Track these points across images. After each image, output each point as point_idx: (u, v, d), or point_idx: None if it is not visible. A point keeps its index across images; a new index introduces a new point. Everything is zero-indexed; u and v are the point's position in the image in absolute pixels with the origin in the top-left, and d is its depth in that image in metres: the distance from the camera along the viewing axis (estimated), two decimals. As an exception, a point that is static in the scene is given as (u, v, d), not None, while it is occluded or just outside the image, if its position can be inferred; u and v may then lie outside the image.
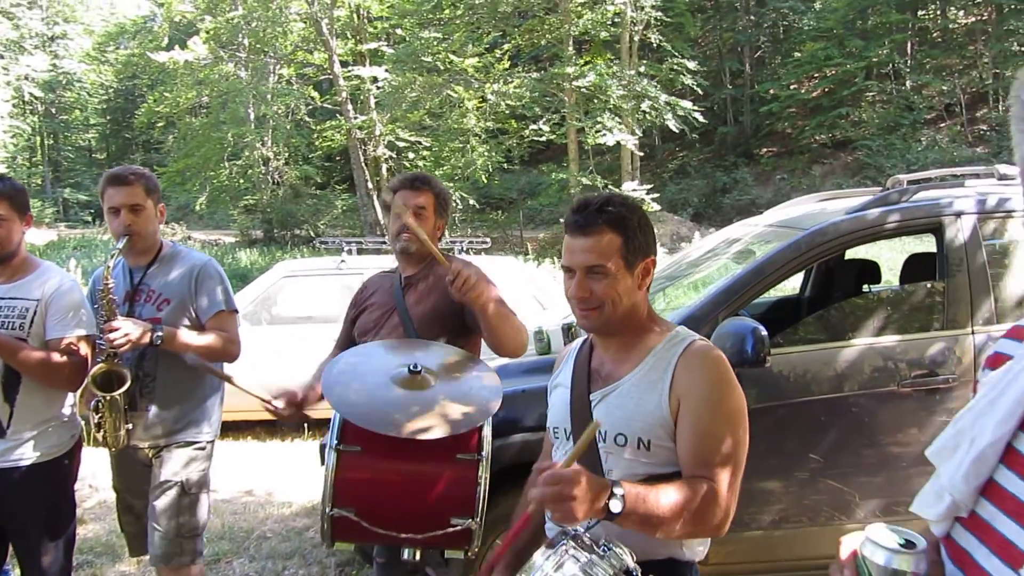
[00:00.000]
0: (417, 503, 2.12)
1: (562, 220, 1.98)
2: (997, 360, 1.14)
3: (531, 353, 3.88)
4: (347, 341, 2.97)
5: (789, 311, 4.95)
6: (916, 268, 4.25)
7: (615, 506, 1.58)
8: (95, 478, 5.46)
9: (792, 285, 5.57)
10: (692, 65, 23.03)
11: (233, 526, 4.93)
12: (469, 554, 2.17)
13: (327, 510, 2.12)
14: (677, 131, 23.50)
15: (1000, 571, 0.94)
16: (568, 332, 3.73)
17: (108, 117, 51.29)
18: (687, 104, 22.18)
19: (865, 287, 4.78)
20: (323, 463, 2.52)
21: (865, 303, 3.74)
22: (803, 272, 4.97)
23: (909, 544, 1.04)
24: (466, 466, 2.07)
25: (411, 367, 2.17)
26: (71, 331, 2.87)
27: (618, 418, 1.83)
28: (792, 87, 29.67)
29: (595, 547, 1.57)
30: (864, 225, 3.39)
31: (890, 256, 10.02)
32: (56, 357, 2.81)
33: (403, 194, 2.84)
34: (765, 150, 30.79)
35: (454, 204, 23.86)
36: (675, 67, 23.15)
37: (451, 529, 2.04)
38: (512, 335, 2.58)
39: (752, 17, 32.82)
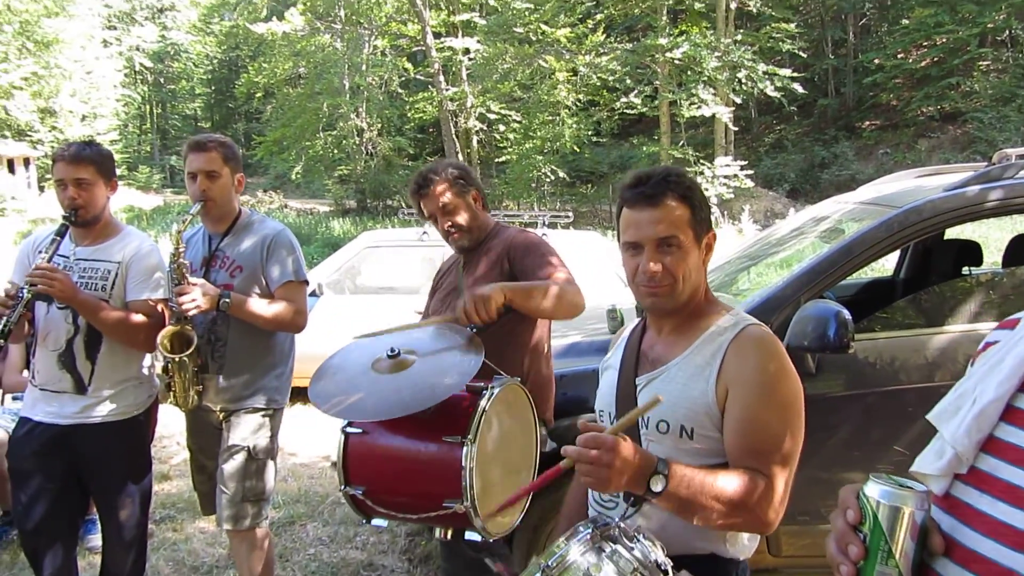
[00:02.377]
0: (410, 484, 2.12)
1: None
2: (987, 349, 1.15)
3: (604, 331, 3.80)
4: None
5: (882, 293, 4.71)
6: (1022, 249, 3.97)
7: (657, 484, 1.51)
8: (181, 436, 5.65)
9: (887, 265, 5.31)
10: (792, 28, 22.14)
11: (309, 490, 5.03)
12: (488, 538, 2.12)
13: (341, 487, 2.16)
14: (775, 103, 22.76)
15: (1008, 514, 0.95)
16: (612, 315, 3.63)
17: (212, 87, 52.96)
18: (786, 72, 21.42)
19: (965, 269, 4.50)
20: None
21: (963, 286, 3.52)
22: (898, 252, 4.71)
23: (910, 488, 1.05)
24: (451, 447, 2.03)
25: (388, 351, 2.15)
26: (149, 293, 2.95)
27: (662, 404, 1.75)
28: (899, 56, 28.22)
29: (624, 537, 1.50)
30: (963, 203, 3.16)
31: (999, 236, 9.47)
32: (135, 318, 2.90)
33: (423, 203, 2.86)
34: (868, 123, 29.47)
35: (543, 177, 23.90)
36: (773, 35, 22.32)
37: (445, 511, 2.01)
38: (549, 303, 2.51)
39: (858, -17, 31.39)
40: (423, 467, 2.10)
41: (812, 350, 2.81)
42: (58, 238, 2.83)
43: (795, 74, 21.58)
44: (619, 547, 1.47)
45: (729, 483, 1.58)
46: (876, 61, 27.91)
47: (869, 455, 3.10)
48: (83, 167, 2.86)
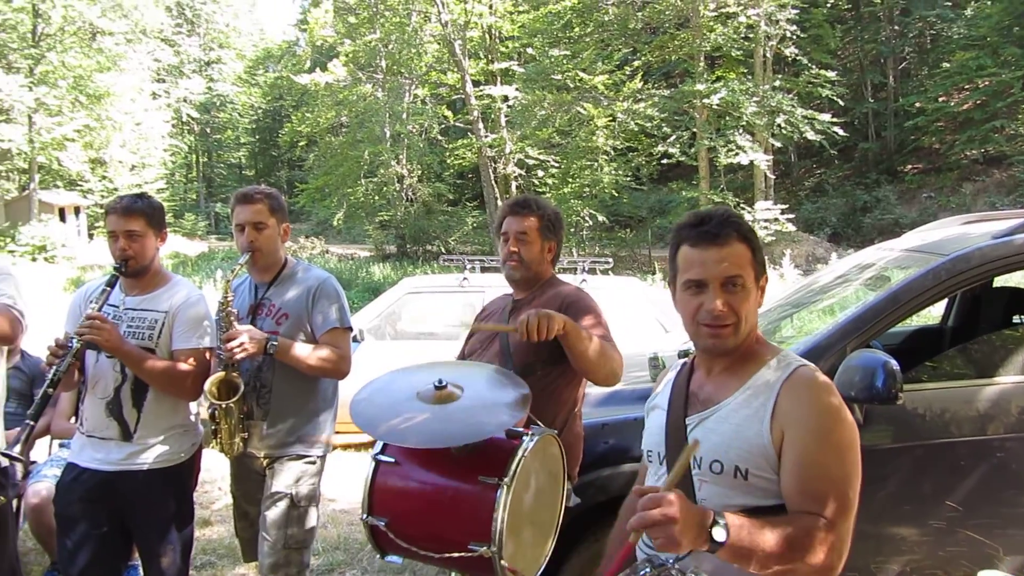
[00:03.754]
0: (437, 521, 2.08)
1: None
2: None
3: (646, 379, 3.77)
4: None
5: (930, 342, 4.61)
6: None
7: (718, 534, 1.47)
8: (223, 481, 5.69)
9: (935, 313, 5.20)
10: (831, 75, 22.09)
11: (348, 537, 5.01)
12: None
13: (363, 516, 2.13)
14: (815, 147, 22.65)
15: None
16: (654, 363, 3.60)
17: (256, 136, 54.26)
18: (825, 117, 21.33)
19: (1016, 318, 4.40)
20: None
21: (1015, 336, 3.43)
22: (946, 300, 4.62)
23: None
24: (486, 489, 1.98)
25: (436, 383, 2.14)
26: (196, 342, 3.00)
27: (715, 444, 1.73)
28: (940, 99, 27.99)
29: None
30: (1012, 251, 3.09)
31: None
32: (180, 367, 2.95)
33: (508, 220, 2.87)
34: (910, 167, 29.18)
35: (582, 221, 23.95)
36: (812, 80, 22.29)
37: (468, 554, 1.96)
38: (596, 361, 2.51)
39: (896, 27, 31.27)
40: (454, 505, 2.07)
41: (859, 400, 2.75)
42: (108, 288, 2.90)
43: (835, 119, 21.48)
44: None
45: (786, 528, 1.55)
46: (917, 104, 27.70)
47: (920, 510, 3.01)
48: (134, 219, 2.94)
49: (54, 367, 2.71)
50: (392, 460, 2.14)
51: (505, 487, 1.97)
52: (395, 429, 2.07)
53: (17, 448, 2.63)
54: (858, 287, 4.06)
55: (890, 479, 3.02)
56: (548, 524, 2.29)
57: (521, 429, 2.11)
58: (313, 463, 3.12)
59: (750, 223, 1.82)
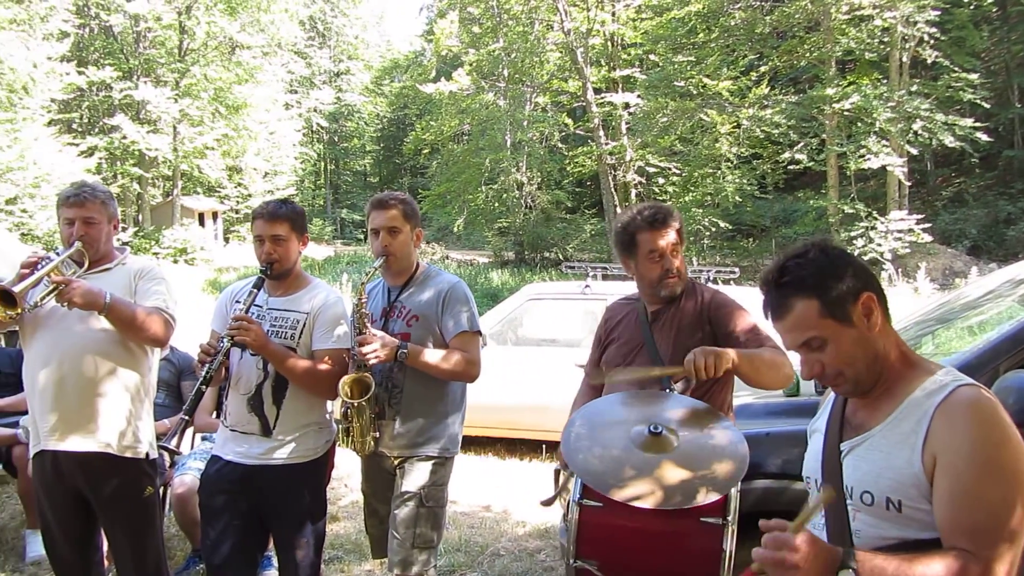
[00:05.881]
0: (658, 564, 2.06)
1: None
2: None
3: (776, 393, 3.66)
4: (595, 370, 3.00)
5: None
6: None
7: None
8: (350, 479, 5.87)
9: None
10: (974, 79, 20.82)
11: (469, 539, 5.07)
12: None
13: (571, 561, 2.12)
14: (953, 155, 21.42)
15: None
16: None
17: (381, 144, 55.77)
18: (967, 123, 20.14)
19: None
20: (556, 487, 2.56)
21: None
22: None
23: None
24: (710, 530, 1.96)
25: (651, 428, 2.10)
26: (334, 343, 3.12)
27: (865, 473, 1.64)
28: (1097, 104, 26.06)
29: None
30: None
31: None
32: (320, 366, 3.06)
33: (652, 236, 2.80)
34: (1061, 176, 27.25)
35: (703, 230, 23.49)
36: (953, 84, 21.06)
37: None
38: (768, 375, 2.51)
39: (1049, 27, 29.29)
40: (676, 547, 2.06)
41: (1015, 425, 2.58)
42: (255, 290, 3.05)
43: (977, 124, 20.26)
44: None
45: (929, 568, 1.43)
46: (1070, 108, 25.86)
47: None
48: (279, 224, 3.09)
49: (206, 365, 2.87)
50: (598, 504, 2.13)
51: (730, 527, 1.97)
52: (626, 488, 2.02)
53: (173, 441, 2.79)
54: (1011, 304, 3.82)
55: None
56: None
57: None
58: (442, 464, 3.18)
59: (820, 251, 1.70)
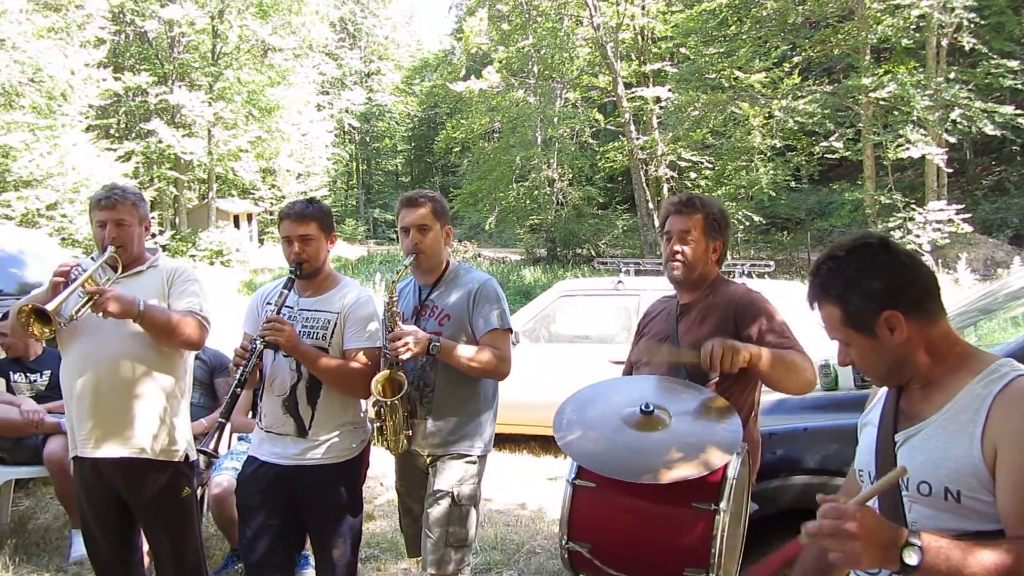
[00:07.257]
0: (649, 548, 2.05)
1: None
2: None
3: (816, 388, 3.60)
4: (631, 365, 2.99)
5: None
6: None
7: (910, 557, 1.37)
8: (386, 477, 5.90)
9: None
10: (1014, 65, 20.34)
11: (505, 537, 5.07)
12: None
13: (563, 542, 2.12)
14: (993, 143, 20.96)
15: None
16: (825, 371, 3.43)
17: (412, 144, 56.04)
18: (1008, 110, 19.71)
19: None
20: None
21: None
22: None
23: None
24: (701, 515, 1.93)
25: (643, 407, 2.10)
26: (366, 342, 3.12)
27: (921, 463, 1.61)
28: None
29: None
30: None
31: None
32: (352, 365, 3.07)
33: (671, 219, 2.82)
34: (1106, 162, 26.59)
35: (736, 223, 23.28)
36: (992, 70, 20.61)
37: None
38: (788, 378, 2.48)
39: (1092, 10, 28.60)
40: (666, 531, 2.04)
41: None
42: (286, 291, 3.06)
43: (1018, 111, 19.80)
44: None
45: (998, 558, 1.41)
46: (1114, 93, 25.19)
47: None
48: (307, 224, 3.09)
49: (240, 368, 2.89)
50: (592, 485, 2.13)
51: (722, 513, 1.95)
52: (602, 459, 2.07)
53: (211, 445, 2.81)
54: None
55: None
56: (738, 537, 2.26)
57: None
58: (474, 463, 3.17)
59: (842, 258, 1.70)
